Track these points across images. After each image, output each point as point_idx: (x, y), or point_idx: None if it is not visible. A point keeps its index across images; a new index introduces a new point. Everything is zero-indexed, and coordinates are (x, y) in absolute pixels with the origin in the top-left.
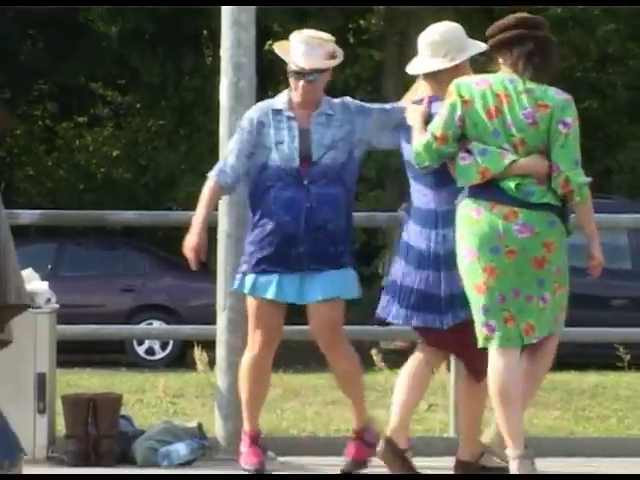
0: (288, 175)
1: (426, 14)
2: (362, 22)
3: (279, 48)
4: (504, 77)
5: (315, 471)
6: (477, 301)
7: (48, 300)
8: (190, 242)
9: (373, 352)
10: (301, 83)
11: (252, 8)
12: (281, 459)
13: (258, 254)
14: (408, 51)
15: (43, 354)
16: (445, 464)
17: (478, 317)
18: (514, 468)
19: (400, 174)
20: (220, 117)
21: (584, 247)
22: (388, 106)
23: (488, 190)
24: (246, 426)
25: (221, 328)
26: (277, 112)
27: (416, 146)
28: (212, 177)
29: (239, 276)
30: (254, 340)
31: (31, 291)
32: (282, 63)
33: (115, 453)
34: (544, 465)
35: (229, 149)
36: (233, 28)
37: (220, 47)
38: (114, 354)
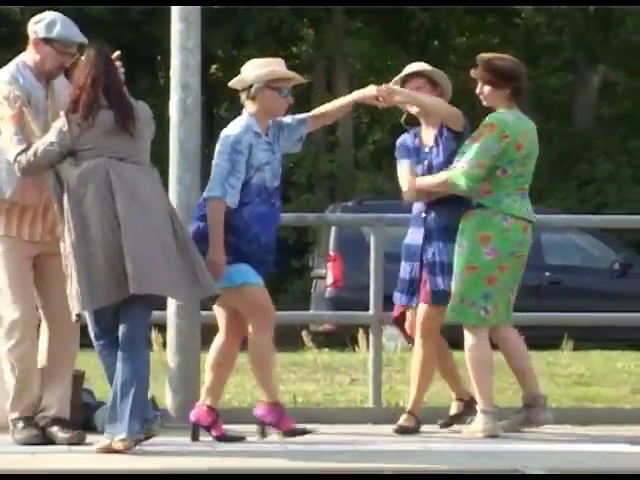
0: (266, 193)
1: (348, 42)
2: (294, 49)
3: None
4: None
5: (253, 436)
6: (482, 289)
7: None
8: (219, 260)
9: (304, 334)
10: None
11: (198, 35)
12: (223, 427)
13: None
14: (334, 75)
15: None
16: (367, 430)
17: (477, 301)
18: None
19: (329, 179)
20: (170, 129)
21: None
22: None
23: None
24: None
25: (171, 313)
26: (257, 134)
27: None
28: (220, 199)
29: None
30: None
31: None
32: (226, 84)
33: (79, 421)
34: (453, 429)
35: (224, 169)
36: (182, 52)
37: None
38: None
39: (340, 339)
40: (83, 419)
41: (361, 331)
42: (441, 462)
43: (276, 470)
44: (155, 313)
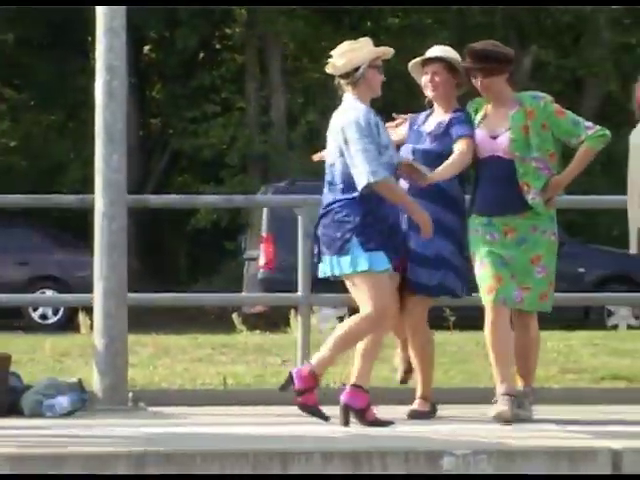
0: (395, 171)
1: (281, 22)
2: (227, 30)
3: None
4: None
5: (182, 418)
6: None
7: None
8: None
9: (234, 316)
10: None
11: (124, 15)
12: (152, 409)
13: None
14: (267, 55)
15: None
16: (296, 412)
17: None
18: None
19: (262, 160)
20: (95, 112)
21: None
22: None
23: None
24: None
25: (98, 295)
26: (376, 115)
27: None
28: (388, 178)
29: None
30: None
31: None
32: (159, 66)
33: (5, 405)
34: (380, 409)
35: (374, 151)
36: (107, 34)
37: None
38: (12, 319)
39: (273, 321)
40: (10, 403)
41: (292, 312)
42: (361, 441)
43: (206, 451)
44: (83, 295)
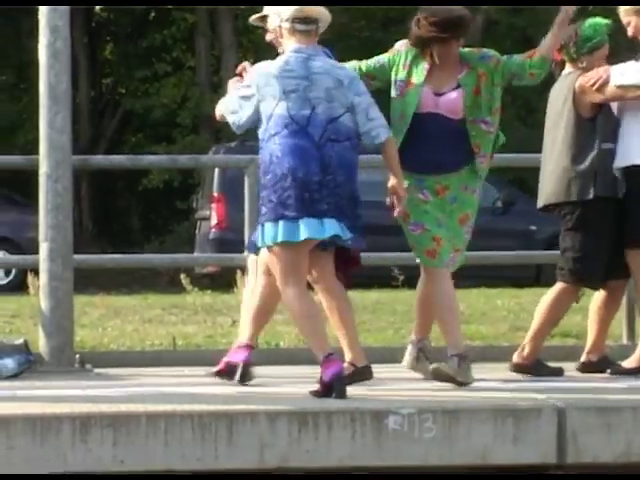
0: None
1: None
2: None
3: None
4: None
5: (129, 380)
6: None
7: None
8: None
9: (182, 276)
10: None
11: None
12: (99, 371)
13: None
14: (218, 14)
15: None
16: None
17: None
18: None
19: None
20: (40, 73)
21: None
22: None
23: None
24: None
25: (43, 257)
26: None
27: None
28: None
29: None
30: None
31: None
32: (110, 25)
33: None
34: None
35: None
36: None
37: None
38: None
39: (225, 281)
40: None
41: (239, 273)
42: (307, 401)
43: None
44: (29, 257)
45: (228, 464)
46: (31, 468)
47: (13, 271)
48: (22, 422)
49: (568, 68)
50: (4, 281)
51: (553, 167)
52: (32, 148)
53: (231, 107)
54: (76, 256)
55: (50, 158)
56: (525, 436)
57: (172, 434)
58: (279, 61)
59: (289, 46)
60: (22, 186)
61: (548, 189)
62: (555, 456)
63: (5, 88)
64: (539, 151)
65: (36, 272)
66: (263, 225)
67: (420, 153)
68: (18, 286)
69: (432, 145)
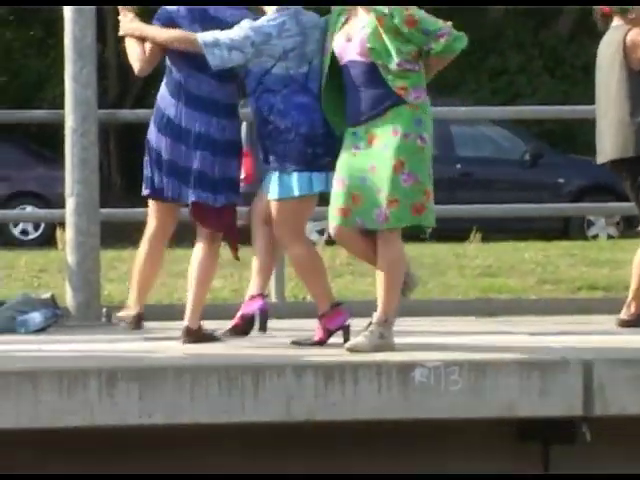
0: None
1: None
2: None
3: None
4: None
5: (156, 333)
6: None
7: None
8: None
9: None
10: None
11: None
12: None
13: None
14: None
15: None
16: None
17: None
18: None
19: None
20: (65, 28)
21: None
22: None
23: None
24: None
25: (70, 211)
26: None
27: None
28: None
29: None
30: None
31: None
32: None
33: None
34: (355, 324)
35: None
36: None
37: None
38: None
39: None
40: None
41: None
42: (333, 355)
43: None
44: (56, 211)
45: (255, 417)
46: (58, 422)
47: (42, 226)
48: (49, 376)
49: (616, 21)
50: (33, 235)
51: (610, 121)
52: (60, 102)
53: (211, 41)
54: (102, 210)
55: (75, 112)
56: (552, 389)
57: (198, 388)
58: (274, 21)
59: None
60: (50, 141)
61: (607, 145)
62: (582, 409)
63: (33, 43)
64: (567, 103)
65: (64, 227)
66: (274, 175)
67: (348, 105)
68: (47, 241)
69: (354, 94)
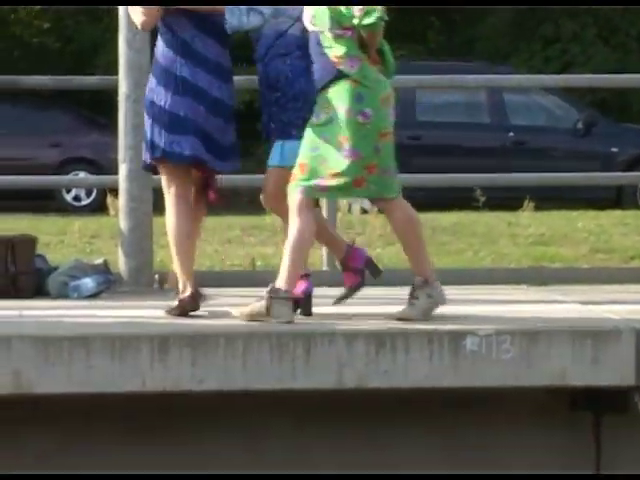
0: None
1: None
2: None
3: None
4: None
5: (208, 300)
6: None
7: None
8: None
9: (261, 197)
10: None
11: None
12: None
13: None
14: None
15: None
16: (321, 293)
17: None
18: None
19: None
20: None
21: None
22: None
23: None
24: None
25: (122, 177)
26: None
27: None
28: None
29: None
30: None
31: None
32: None
33: (32, 287)
34: (406, 292)
35: None
36: None
37: None
38: (45, 201)
39: None
40: (36, 285)
41: None
42: (384, 322)
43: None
44: (108, 177)
45: (306, 384)
46: (110, 387)
47: (94, 192)
48: (101, 341)
49: None
50: (85, 202)
51: None
52: (114, 69)
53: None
54: (154, 177)
55: (129, 78)
56: (604, 358)
57: (250, 354)
58: None
59: None
60: (104, 107)
61: None
62: (634, 378)
63: (88, 9)
64: (620, 72)
65: (116, 193)
66: (276, 145)
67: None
68: (99, 207)
69: (313, 64)
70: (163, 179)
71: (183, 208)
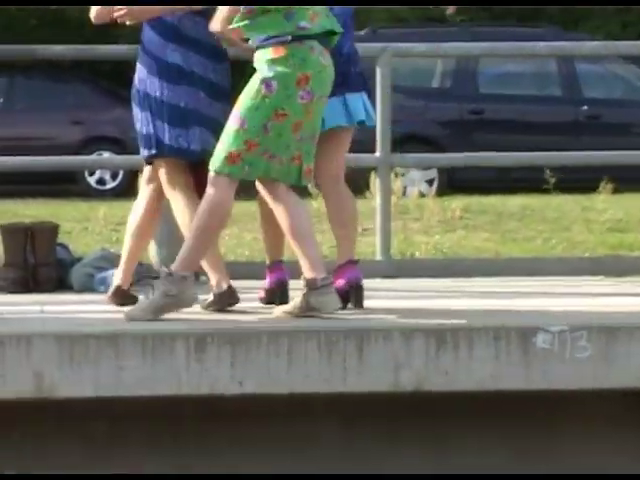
0: None
1: None
2: None
3: None
4: None
5: (248, 293)
6: None
7: None
8: None
9: None
10: None
11: None
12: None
13: None
14: None
15: None
16: (374, 285)
17: None
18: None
19: None
20: None
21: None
22: None
23: None
24: None
25: None
26: None
27: None
28: None
29: None
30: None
31: None
32: None
33: (53, 280)
34: (469, 284)
35: None
36: None
37: None
38: (66, 184)
39: (354, 185)
40: (58, 278)
41: (373, 175)
42: (446, 317)
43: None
44: (136, 157)
45: (358, 386)
46: (142, 390)
47: (120, 174)
48: (131, 339)
49: None
50: (111, 185)
51: None
52: (138, 37)
53: None
54: None
55: None
56: None
57: (296, 353)
58: None
59: None
60: (128, 80)
61: None
62: None
63: None
64: None
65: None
66: None
67: None
68: (125, 190)
69: None
70: (163, 173)
71: (197, 201)
